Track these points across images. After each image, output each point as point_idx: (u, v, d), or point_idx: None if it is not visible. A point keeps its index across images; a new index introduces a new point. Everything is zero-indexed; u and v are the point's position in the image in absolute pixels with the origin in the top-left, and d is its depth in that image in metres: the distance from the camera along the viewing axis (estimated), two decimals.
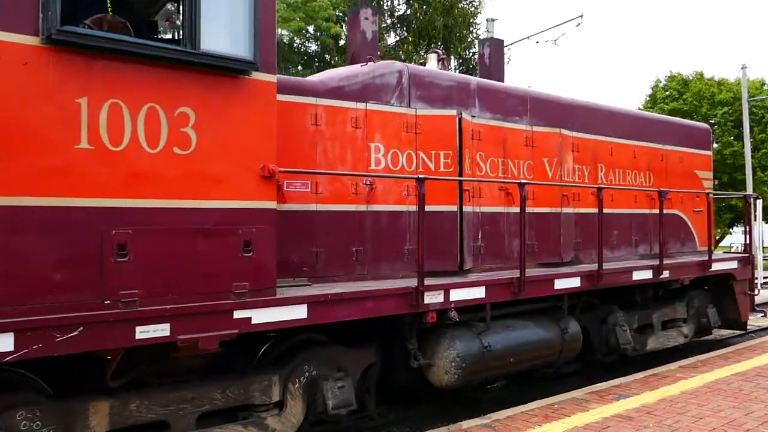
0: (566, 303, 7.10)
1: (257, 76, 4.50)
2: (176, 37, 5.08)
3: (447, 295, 5.67)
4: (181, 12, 4.40)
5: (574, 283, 6.92)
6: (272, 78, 4.61)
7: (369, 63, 6.21)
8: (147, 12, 5.31)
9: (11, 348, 3.54)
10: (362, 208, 5.82)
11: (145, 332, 4.00)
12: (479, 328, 6.20)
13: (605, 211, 7.24)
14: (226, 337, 4.34)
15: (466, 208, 6.40)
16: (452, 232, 6.27)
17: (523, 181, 6.42)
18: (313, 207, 5.55)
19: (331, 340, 5.48)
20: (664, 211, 7.95)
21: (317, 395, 5.24)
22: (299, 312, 4.69)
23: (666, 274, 7.99)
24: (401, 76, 6.20)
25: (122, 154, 3.95)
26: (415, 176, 5.66)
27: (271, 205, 4.59)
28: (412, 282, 5.47)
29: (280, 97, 5.11)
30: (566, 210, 7.61)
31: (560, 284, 6.75)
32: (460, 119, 6.31)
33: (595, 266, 7.09)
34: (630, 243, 8.64)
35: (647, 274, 7.78)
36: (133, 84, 4.00)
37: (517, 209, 6.36)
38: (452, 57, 21.87)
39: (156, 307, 4.03)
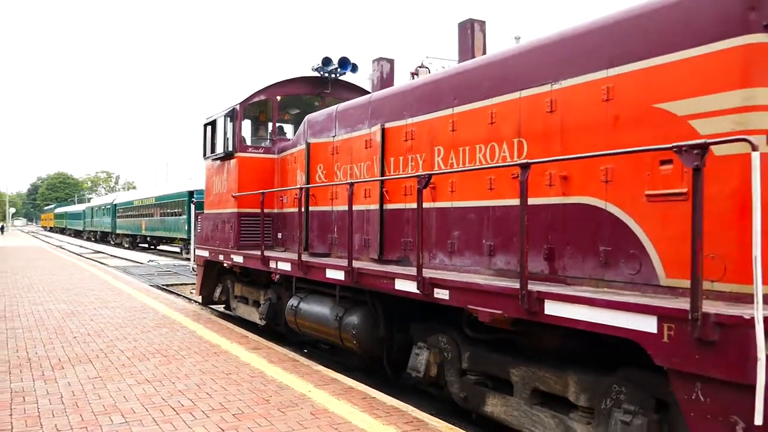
0: (337, 293, 7.35)
1: (237, 155, 10.51)
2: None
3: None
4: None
5: (338, 275, 7.21)
6: (240, 155, 10.42)
7: None
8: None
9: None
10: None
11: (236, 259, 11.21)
12: (314, 297, 8.45)
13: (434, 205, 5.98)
14: (234, 264, 10.74)
15: (312, 208, 8.58)
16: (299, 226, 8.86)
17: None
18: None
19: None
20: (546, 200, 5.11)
21: None
22: (239, 259, 10.20)
23: (442, 294, 5.57)
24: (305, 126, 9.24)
25: (218, 194, 11.32)
26: (301, 187, 9.22)
27: (235, 210, 10.42)
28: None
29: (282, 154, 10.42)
30: (390, 206, 7.09)
31: (330, 274, 7.46)
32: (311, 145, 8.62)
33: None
34: (481, 249, 5.73)
35: (411, 286, 5.94)
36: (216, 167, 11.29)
37: (344, 207, 7.94)
38: None
39: (209, 246, 11.14)
